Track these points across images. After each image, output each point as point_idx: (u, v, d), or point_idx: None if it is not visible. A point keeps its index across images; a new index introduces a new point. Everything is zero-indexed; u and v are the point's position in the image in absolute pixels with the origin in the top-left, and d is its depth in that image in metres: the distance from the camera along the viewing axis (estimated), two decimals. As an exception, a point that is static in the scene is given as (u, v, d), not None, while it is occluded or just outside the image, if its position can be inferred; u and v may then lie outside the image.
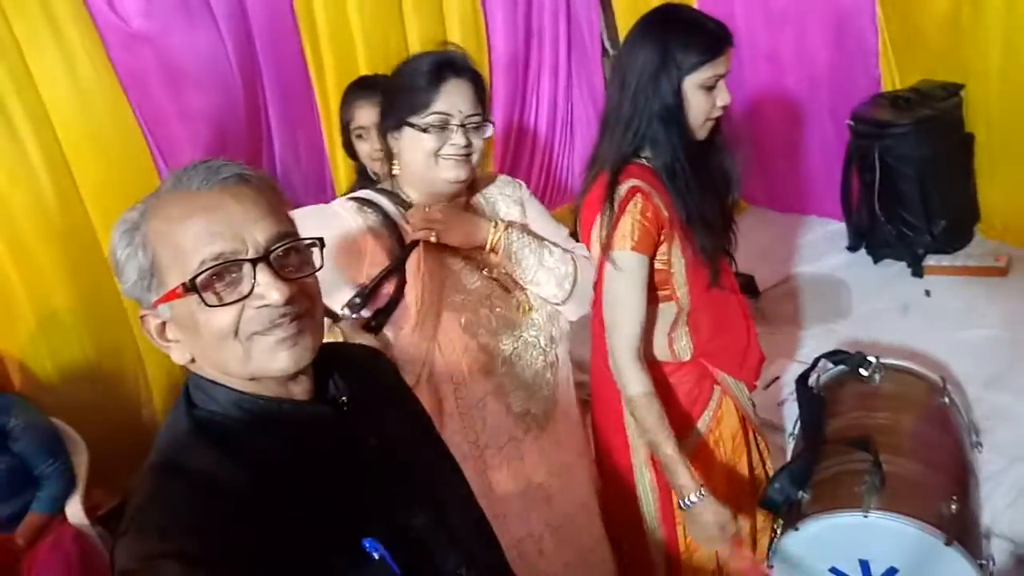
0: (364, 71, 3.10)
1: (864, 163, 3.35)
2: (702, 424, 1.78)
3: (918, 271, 3.27)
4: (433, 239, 1.50)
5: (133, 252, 0.88)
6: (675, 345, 1.74)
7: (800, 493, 1.68)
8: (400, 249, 1.50)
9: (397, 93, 1.53)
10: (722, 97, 1.61)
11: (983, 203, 3.37)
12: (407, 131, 1.48)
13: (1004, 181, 3.25)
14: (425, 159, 1.48)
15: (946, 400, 1.93)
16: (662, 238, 1.61)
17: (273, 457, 0.90)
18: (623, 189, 1.58)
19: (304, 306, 0.90)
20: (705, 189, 1.66)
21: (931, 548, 1.53)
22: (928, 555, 1.54)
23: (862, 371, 1.97)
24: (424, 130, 1.47)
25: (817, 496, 1.67)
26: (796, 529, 1.62)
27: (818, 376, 2.08)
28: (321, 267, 0.93)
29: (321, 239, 0.94)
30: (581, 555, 1.74)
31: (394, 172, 1.57)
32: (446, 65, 1.49)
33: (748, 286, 3.32)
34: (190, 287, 0.84)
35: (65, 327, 2.79)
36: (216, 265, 0.85)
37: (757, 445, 1.93)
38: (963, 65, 3.25)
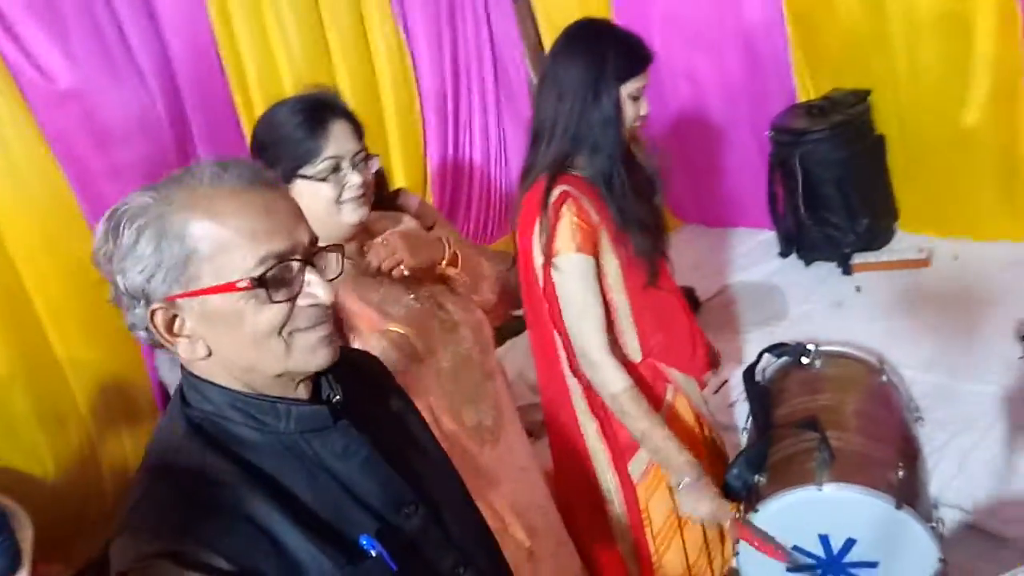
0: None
1: (786, 171, 3.50)
2: None
3: (847, 269, 3.41)
4: (402, 270, 1.46)
5: (162, 243, 0.84)
6: (626, 348, 1.78)
7: (757, 477, 1.72)
8: None
9: (279, 146, 1.44)
10: (644, 107, 1.70)
11: (901, 200, 3.55)
12: (301, 183, 1.41)
13: (918, 178, 3.43)
14: (327, 208, 1.42)
15: (885, 379, 2.01)
16: (595, 242, 1.65)
17: (267, 456, 0.90)
18: (554, 195, 1.63)
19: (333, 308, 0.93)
20: (637, 193, 1.73)
21: (884, 513, 1.58)
22: (882, 521, 1.59)
23: (803, 359, 2.04)
24: (322, 179, 1.42)
25: (773, 478, 1.72)
26: (756, 511, 1.66)
27: (763, 370, 2.14)
28: (342, 272, 0.96)
29: (341, 246, 0.97)
30: (550, 553, 1.74)
31: None
32: (323, 108, 1.44)
33: (689, 298, 3.41)
34: (257, 282, 0.84)
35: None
36: (278, 263, 0.86)
37: (713, 441, 1.98)
38: (870, 72, 3.43)
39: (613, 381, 1.64)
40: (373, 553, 0.89)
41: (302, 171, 1.41)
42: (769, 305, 3.41)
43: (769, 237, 3.87)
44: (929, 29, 3.13)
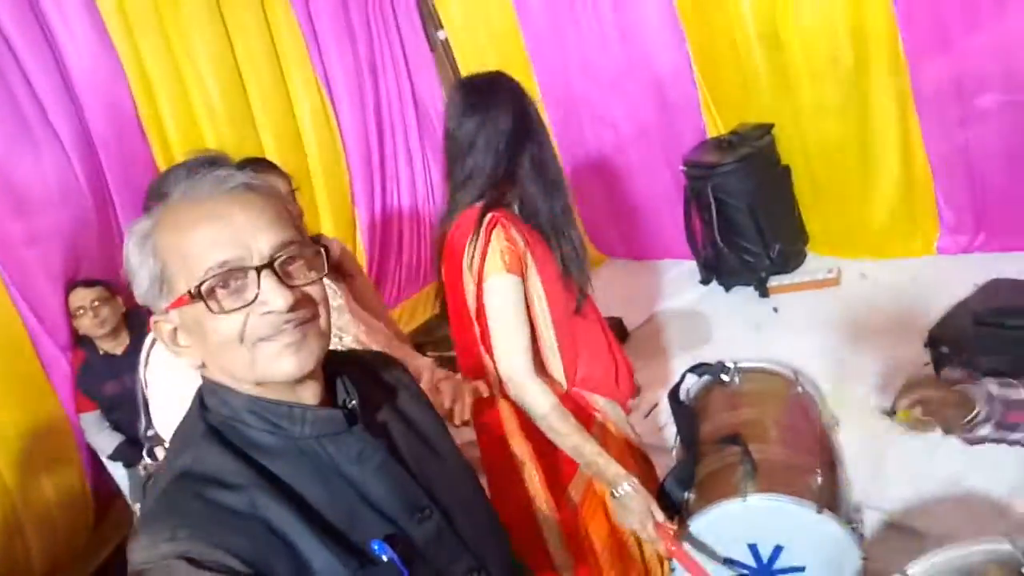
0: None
1: (701, 203, 3.66)
2: None
3: (764, 292, 3.57)
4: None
5: (144, 260, 0.89)
6: (551, 374, 1.84)
7: (686, 494, 1.80)
8: None
9: None
10: None
11: (810, 224, 3.75)
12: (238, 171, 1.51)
13: (824, 203, 3.64)
14: None
15: (800, 390, 2.12)
16: (523, 265, 1.71)
17: (283, 460, 0.90)
18: (486, 220, 1.69)
19: (309, 312, 0.91)
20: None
21: (806, 519, 1.67)
22: (805, 526, 1.67)
23: (723, 377, 2.15)
24: None
25: (700, 494, 1.79)
26: (688, 526, 1.73)
27: (687, 390, 2.23)
28: (326, 273, 0.95)
29: (325, 246, 0.96)
30: None
31: None
32: (211, 166, 1.51)
33: (618, 328, 3.52)
34: (196, 294, 0.85)
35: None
36: (220, 273, 0.86)
37: (645, 460, 2.04)
38: (772, 107, 3.64)
39: (539, 403, 1.68)
40: (384, 558, 0.89)
41: None
42: (694, 330, 3.53)
43: (691, 266, 4.03)
44: (824, 65, 3.34)
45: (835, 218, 3.63)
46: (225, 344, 0.88)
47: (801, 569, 1.72)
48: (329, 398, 0.97)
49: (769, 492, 1.69)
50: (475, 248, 1.69)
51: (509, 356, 1.69)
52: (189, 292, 0.86)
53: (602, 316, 2.01)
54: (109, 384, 2.94)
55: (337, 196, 4.08)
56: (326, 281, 1.59)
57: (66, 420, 2.99)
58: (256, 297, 0.87)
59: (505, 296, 1.68)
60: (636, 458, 2.00)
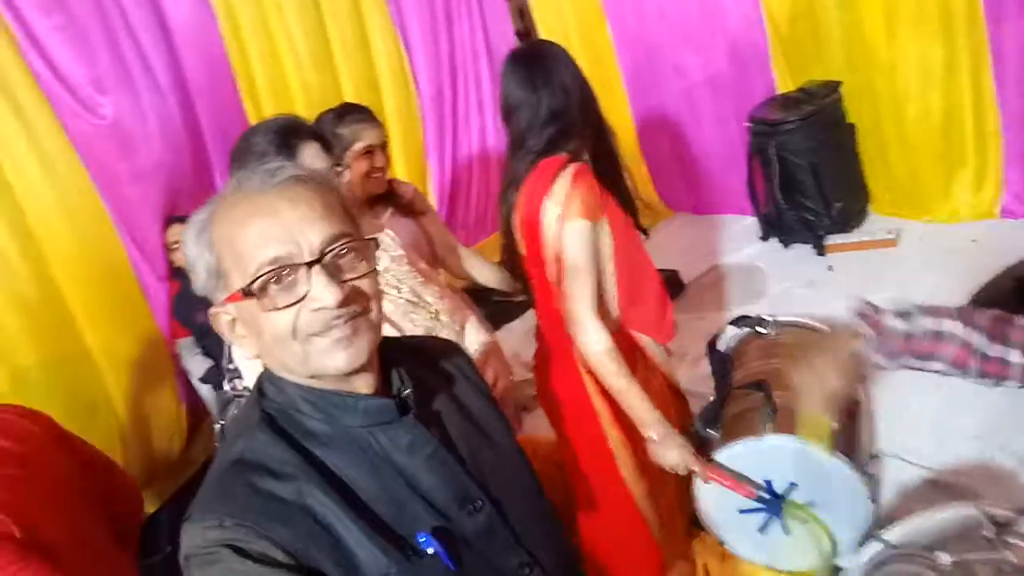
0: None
1: (764, 159, 3.70)
2: None
3: (821, 250, 3.62)
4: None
5: (201, 252, 0.91)
6: (609, 313, 1.99)
7: (711, 432, 1.95)
8: None
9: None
10: None
11: (872, 184, 3.75)
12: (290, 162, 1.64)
13: (887, 163, 3.63)
14: None
15: (833, 345, 2.22)
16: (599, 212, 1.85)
17: (335, 448, 0.91)
18: (572, 168, 1.83)
19: (360, 306, 0.90)
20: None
21: (818, 460, 1.80)
22: (817, 466, 1.81)
23: (760, 329, 2.27)
24: None
25: (725, 433, 1.94)
26: (711, 461, 1.89)
27: (727, 340, 2.36)
28: (376, 265, 0.94)
29: (375, 238, 0.96)
30: None
31: None
32: (291, 132, 1.59)
33: (672, 280, 3.64)
34: (248, 291, 0.86)
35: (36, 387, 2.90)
36: (272, 270, 0.86)
37: (680, 402, 2.20)
38: (844, 64, 3.63)
39: (595, 341, 1.83)
40: (430, 551, 0.89)
41: None
42: (750, 285, 3.62)
43: (752, 222, 4.08)
44: (899, 23, 3.32)
45: (899, 178, 3.62)
46: (278, 339, 0.88)
47: (812, 504, 1.86)
48: (384, 387, 0.97)
49: (784, 433, 1.83)
50: (558, 194, 1.81)
51: (575, 298, 1.82)
52: (242, 290, 0.87)
53: (653, 264, 2.16)
54: (200, 313, 3.17)
55: (411, 143, 4.25)
56: (386, 231, 1.78)
57: (163, 344, 3.32)
58: (307, 293, 0.86)
59: (582, 240, 1.81)
60: (675, 396, 2.17)
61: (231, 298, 0.89)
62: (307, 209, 0.88)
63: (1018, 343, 1.27)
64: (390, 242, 1.87)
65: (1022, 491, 2.02)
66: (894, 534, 1.41)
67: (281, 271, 0.86)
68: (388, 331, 1.65)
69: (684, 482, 2.11)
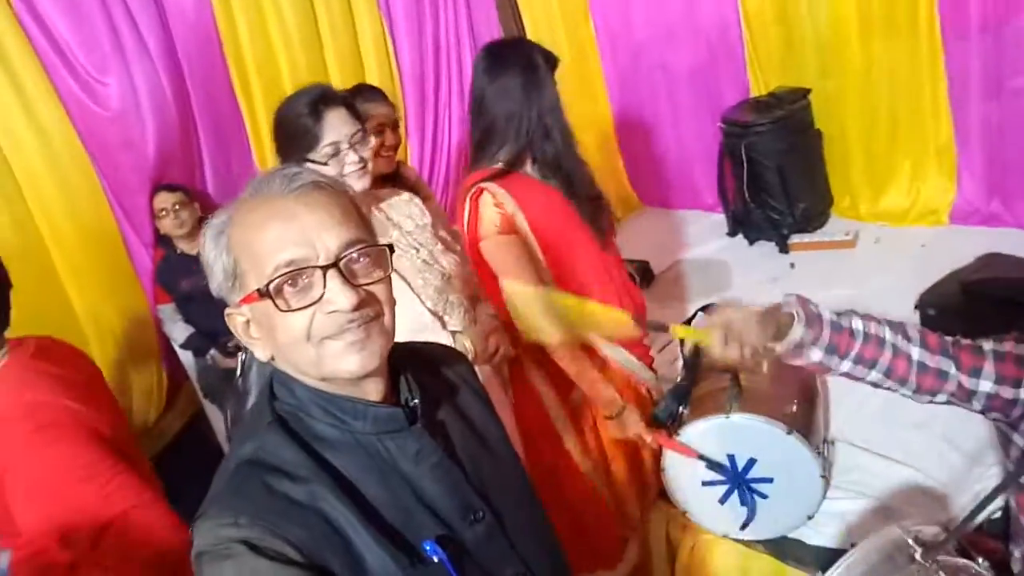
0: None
1: (734, 159, 3.87)
2: None
3: (784, 248, 3.80)
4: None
5: (218, 254, 0.93)
6: None
7: (680, 408, 2.11)
8: None
9: (288, 138, 1.74)
10: None
11: (835, 188, 3.95)
12: (309, 167, 1.65)
13: (849, 168, 3.83)
14: None
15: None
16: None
17: (344, 454, 0.93)
18: (472, 191, 1.95)
19: (373, 310, 0.92)
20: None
21: (776, 438, 1.97)
22: (775, 444, 1.98)
23: (728, 317, 2.42)
24: (324, 163, 1.69)
25: (693, 409, 2.11)
26: (678, 435, 2.05)
27: (696, 326, 2.51)
28: (391, 271, 0.95)
29: (390, 244, 0.96)
30: None
31: None
32: (320, 100, 1.70)
33: (643, 271, 3.80)
34: (264, 292, 0.88)
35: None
36: (288, 272, 0.87)
37: (645, 391, 2.33)
38: (815, 70, 3.80)
39: (549, 338, 1.93)
40: (435, 559, 0.91)
41: (308, 156, 1.72)
42: (715, 278, 3.79)
43: (720, 219, 4.25)
44: (868, 33, 3.50)
45: (859, 184, 3.82)
46: (292, 341, 0.90)
47: (770, 480, 2.03)
48: (392, 395, 0.99)
49: (749, 412, 1.99)
50: (467, 218, 1.96)
51: (519, 302, 1.92)
52: (258, 290, 0.88)
53: (622, 263, 2.28)
54: (184, 280, 3.26)
55: (392, 125, 4.32)
56: (416, 201, 1.90)
57: (147, 309, 3.37)
58: (322, 296, 0.88)
59: (504, 252, 1.94)
60: (633, 391, 2.23)
61: (246, 299, 0.91)
62: (325, 214, 0.90)
63: (967, 367, 1.35)
64: (418, 212, 1.99)
65: (964, 480, 2.19)
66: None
67: (297, 273, 0.88)
68: (399, 285, 1.75)
69: (634, 459, 2.27)
